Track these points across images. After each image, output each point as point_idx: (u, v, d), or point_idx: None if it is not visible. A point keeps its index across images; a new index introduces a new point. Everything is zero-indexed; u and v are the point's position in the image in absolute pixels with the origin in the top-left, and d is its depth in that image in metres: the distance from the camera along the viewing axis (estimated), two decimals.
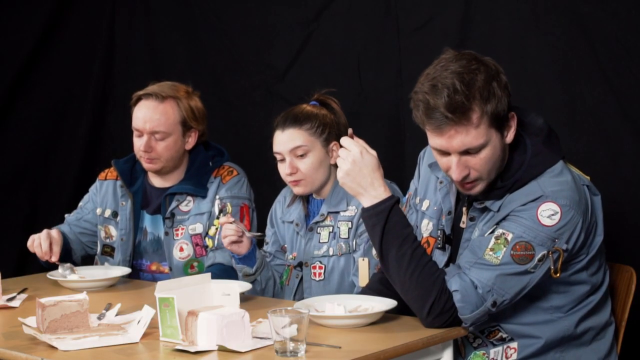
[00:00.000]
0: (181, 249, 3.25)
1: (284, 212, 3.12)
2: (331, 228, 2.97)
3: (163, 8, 4.65)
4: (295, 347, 2.10)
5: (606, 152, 3.28)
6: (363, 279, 2.84)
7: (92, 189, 3.45)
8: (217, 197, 3.21)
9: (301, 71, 4.17)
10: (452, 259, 2.46)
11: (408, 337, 2.25)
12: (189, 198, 3.26)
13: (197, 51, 4.54)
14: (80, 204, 3.45)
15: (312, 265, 2.99)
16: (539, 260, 2.26)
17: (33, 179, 4.81)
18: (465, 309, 2.26)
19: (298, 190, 2.98)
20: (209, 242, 3.22)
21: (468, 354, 2.44)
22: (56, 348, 2.24)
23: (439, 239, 2.49)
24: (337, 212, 2.97)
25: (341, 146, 2.39)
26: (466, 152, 2.28)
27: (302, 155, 2.94)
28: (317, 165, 2.95)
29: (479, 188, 2.35)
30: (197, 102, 3.30)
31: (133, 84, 3.39)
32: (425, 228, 2.57)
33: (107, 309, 2.59)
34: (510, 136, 2.32)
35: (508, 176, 2.35)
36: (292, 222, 3.07)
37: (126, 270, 3.14)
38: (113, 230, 3.34)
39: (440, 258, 2.49)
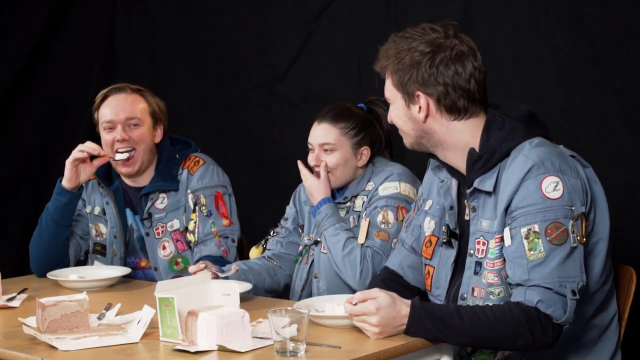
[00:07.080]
0: (164, 247, 3.24)
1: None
2: (350, 205, 3.06)
3: (163, 8, 4.65)
4: (295, 347, 2.10)
5: (606, 152, 3.28)
6: (361, 238, 2.93)
7: None
8: (188, 190, 3.21)
9: (301, 71, 4.17)
10: (460, 254, 2.46)
11: (408, 337, 2.24)
12: (162, 195, 3.25)
13: (197, 51, 4.54)
14: None
15: None
16: (573, 233, 2.26)
17: (33, 179, 4.80)
18: (556, 312, 2.22)
19: None
20: (190, 237, 3.22)
21: (475, 350, 2.44)
22: (56, 348, 2.24)
23: (444, 234, 2.49)
24: (358, 194, 3.06)
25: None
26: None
27: (329, 151, 3.03)
28: (341, 163, 3.03)
29: (405, 141, 2.51)
30: (157, 99, 3.32)
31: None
32: (428, 226, 2.57)
33: (107, 309, 2.59)
34: (421, 115, 2.40)
35: (486, 146, 2.38)
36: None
37: (126, 270, 3.14)
38: (103, 228, 3.33)
39: (447, 253, 2.49)
